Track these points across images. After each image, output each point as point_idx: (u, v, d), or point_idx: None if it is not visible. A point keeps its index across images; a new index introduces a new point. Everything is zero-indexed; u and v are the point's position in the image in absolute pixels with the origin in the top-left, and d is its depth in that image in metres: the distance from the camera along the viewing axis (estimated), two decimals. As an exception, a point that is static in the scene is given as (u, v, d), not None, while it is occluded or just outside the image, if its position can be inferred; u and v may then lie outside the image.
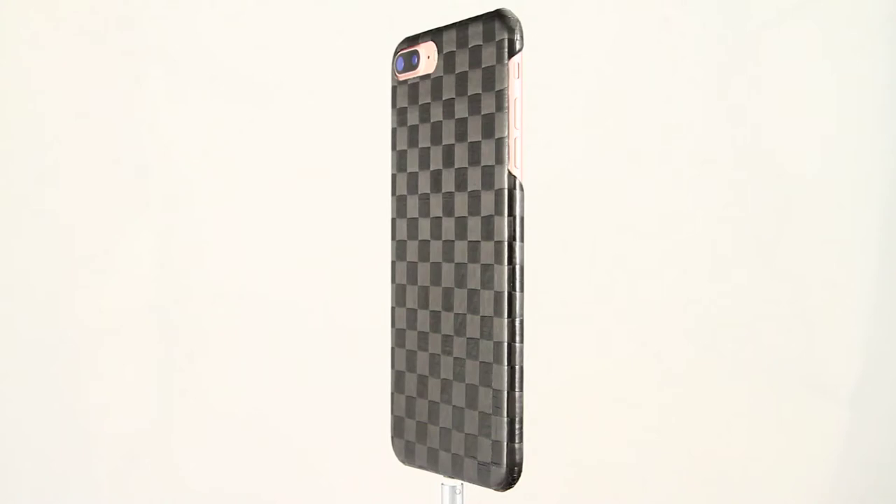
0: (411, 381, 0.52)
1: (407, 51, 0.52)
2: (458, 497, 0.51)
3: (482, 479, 0.47)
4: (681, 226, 1.25)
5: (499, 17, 0.47)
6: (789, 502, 1.27)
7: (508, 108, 0.47)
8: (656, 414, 1.24)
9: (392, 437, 0.53)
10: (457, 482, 0.51)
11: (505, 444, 0.46)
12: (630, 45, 1.24)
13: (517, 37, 0.47)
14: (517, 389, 0.46)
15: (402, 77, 0.52)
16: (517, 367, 0.47)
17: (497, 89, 0.47)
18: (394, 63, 0.53)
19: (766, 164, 1.27)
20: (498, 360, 0.47)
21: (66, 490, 1.13)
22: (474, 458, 0.48)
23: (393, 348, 0.53)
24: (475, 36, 0.49)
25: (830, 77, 1.28)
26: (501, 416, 0.46)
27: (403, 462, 0.53)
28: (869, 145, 1.29)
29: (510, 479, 0.46)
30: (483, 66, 0.48)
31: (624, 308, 1.23)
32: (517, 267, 0.47)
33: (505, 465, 0.46)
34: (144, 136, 1.14)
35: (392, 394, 0.53)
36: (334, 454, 1.13)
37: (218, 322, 1.15)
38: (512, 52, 0.47)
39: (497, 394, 0.47)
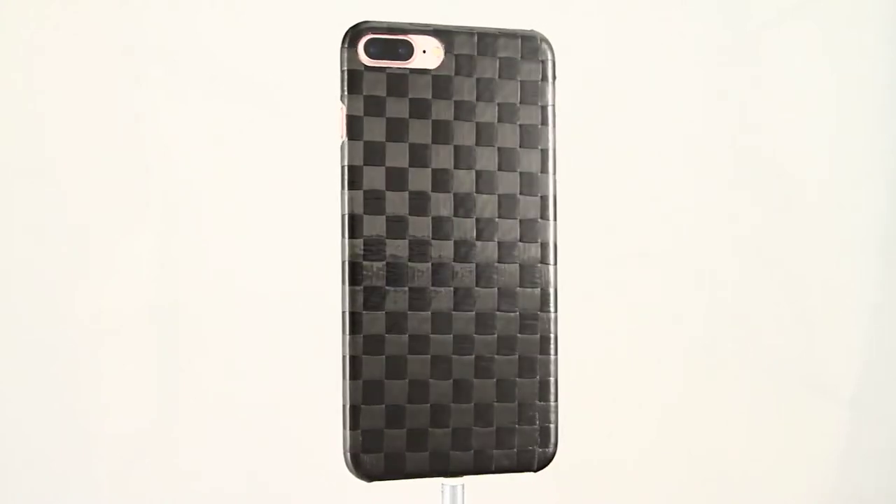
0: (395, 390, 0.49)
1: (389, 38, 0.49)
2: (460, 496, 0.51)
3: (521, 465, 0.50)
4: (680, 225, 1.25)
5: (540, 39, 0.51)
6: (789, 502, 1.27)
7: (554, 123, 0.51)
8: (655, 413, 1.24)
9: (358, 455, 0.49)
10: (458, 482, 0.51)
11: (551, 426, 0.50)
12: (629, 44, 1.24)
13: (555, 62, 0.51)
14: (556, 376, 0.51)
15: (376, 63, 0.49)
16: (558, 357, 0.51)
17: (542, 104, 0.51)
18: (360, 46, 0.49)
19: (766, 163, 1.27)
20: (544, 351, 0.50)
21: (66, 490, 1.13)
22: (511, 447, 0.50)
23: (360, 357, 0.49)
24: (509, 48, 0.50)
25: (830, 77, 1.28)
26: (547, 401, 0.50)
27: (371, 478, 0.49)
28: (869, 145, 1.29)
29: (553, 457, 0.51)
30: (521, 79, 0.50)
31: (622, 308, 1.23)
32: (557, 267, 0.51)
33: (552, 446, 0.50)
34: (144, 136, 1.14)
35: (359, 408, 0.49)
36: (336, 451, 1.13)
37: (218, 321, 1.15)
38: (555, 76, 0.51)
39: (544, 383, 0.50)
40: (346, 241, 0.50)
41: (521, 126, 0.50)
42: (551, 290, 0.51)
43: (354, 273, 0.50)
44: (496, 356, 0.50)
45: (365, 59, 0.49)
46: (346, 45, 0.49)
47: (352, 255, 0.50)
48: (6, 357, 1.12)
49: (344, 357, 0.50)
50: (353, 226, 0.50)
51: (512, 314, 0.50)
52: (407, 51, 0.49)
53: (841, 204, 1.28)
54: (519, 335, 0.50)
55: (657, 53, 1.24)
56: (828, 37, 1.27)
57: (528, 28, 0.51)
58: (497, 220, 0.50)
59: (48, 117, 1.12)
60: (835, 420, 1.28)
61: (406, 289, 0.50)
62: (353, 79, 0.49)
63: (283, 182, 1.15)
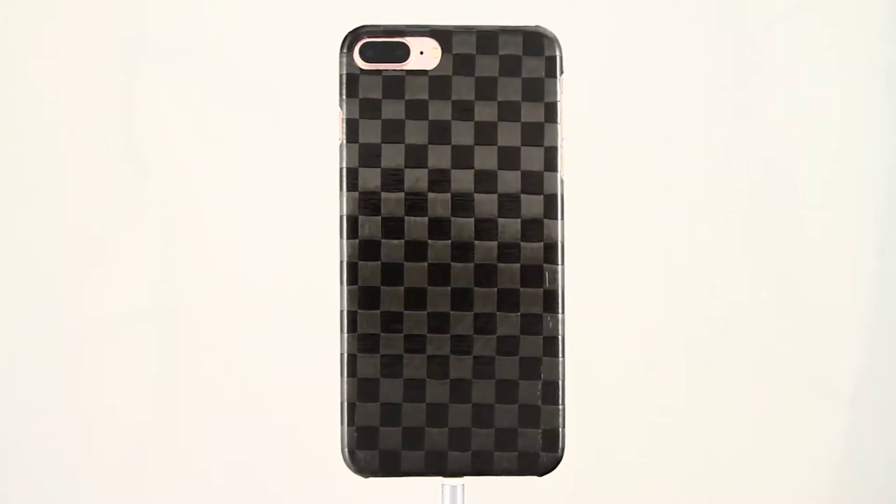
0: (390, 388, 0.50)
1: (384, 41, 0.51)
2: (460, 496, 0.51)
3: (525, 468, 0.51)
4: (680, 226, 1.25)
5: (544, 35, 0.51)
6: (789, 502, 1.27)
7: (560, 120, 0.50)
8: (655, 413, 1.24)
9: (351, 450, 0.52)
10: (458, 482, 0.51)
11: (558, 430, 0.50)
12: (630, 45, 1.24)
13: (561, 57, 0.51)
14: (563, 378, 0.51)
15: (371, 66, 0.50)
16: (565, 359, 0.50)
17: (547, 101, 0.50)
18: (356, 50, 0.51)
19: (767, 163, 1.27)
20: (550, 353, 0.50)
21: (69, 489, 1.13)
22: (513, 450, 0.50)
23: (354, 355, 0.51)
24: (510, 45, 0.51)
25: (831, 77, 1.27)
26: (553, 405, 0.50)
27: (366, 474, 0.51)
28: (870, 145, 1.29)
29: (559, 461, 0.51)
30: (524, 76, 0.51)
31: (622, 308, 1.23)
32: (564, 266, 0.50)
33: (559, 450, 0.51)
34: (144, 135, 1.14)
35: (353, 404, 0.51)
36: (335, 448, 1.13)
37: (218, 321, 1.15)
38: (562, 70, 0.51)
39: (550, 385, 0.50)
40: (344, 241, 0.51)
41: (523, 124, 0.50)
42: (558, 291, 0.50)
43: (351, 273, 0.51)
44: (497, 357, 0.50)
45: (361, 62, 0.51)
46: (343, 51, 0.51)
47: (349, 255, 0.51)
48: (7, 355, 1.12)
49: (341, 355, 0.51)
50: (351, 227, 0.51)
51: (513, 315, 0.50)
52: (403, 53, 0.50)
53: (841, 204, 1.28)
54: (521, 336, 0.50)
55: (656, 53, 1.24)
56: (828, 37, 1.27)
57: (533, 24, 0.52)
58: (498, 219, 0.50)
59: (48, 117, 1.12)
60: (835, 420, 1.28)
61: (402, 289, 0.50)
62: (350, 83, 0.51)
63: (283, 182, 1.15)
